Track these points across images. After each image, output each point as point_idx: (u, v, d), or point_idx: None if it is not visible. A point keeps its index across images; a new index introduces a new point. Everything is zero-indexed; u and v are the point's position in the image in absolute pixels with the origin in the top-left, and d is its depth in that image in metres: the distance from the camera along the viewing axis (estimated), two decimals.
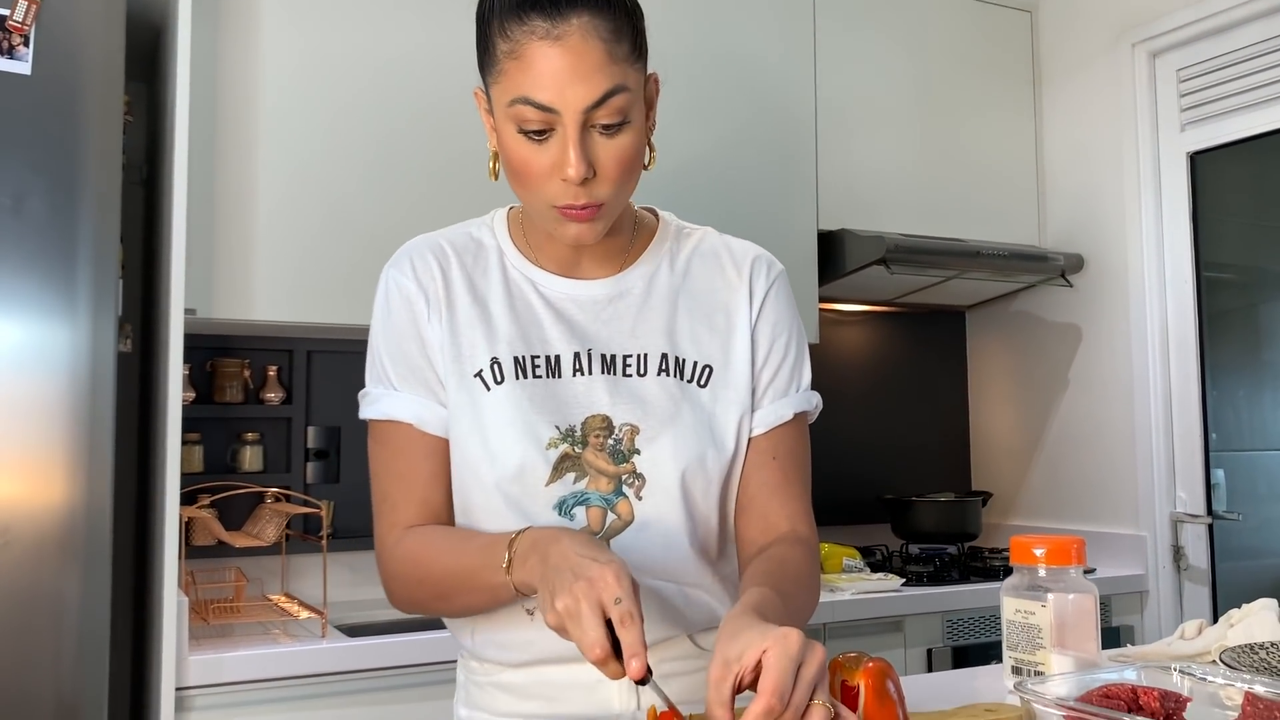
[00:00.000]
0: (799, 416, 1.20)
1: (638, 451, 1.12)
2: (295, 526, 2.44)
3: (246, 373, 2.48)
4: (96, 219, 1.75)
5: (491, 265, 1.18)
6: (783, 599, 0.99)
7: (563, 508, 1.11)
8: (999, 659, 1.18)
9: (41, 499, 1.68)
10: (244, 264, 2.18)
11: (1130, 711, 0.87)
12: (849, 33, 2.89)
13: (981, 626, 2.59)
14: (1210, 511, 2.81)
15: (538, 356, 1.14)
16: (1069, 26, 3.12)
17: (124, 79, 1.80)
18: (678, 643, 1.15)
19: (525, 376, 1.13)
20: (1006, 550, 1.09)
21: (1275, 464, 3.12)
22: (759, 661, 0.83)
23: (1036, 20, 3.21)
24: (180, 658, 1.84)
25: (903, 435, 3.25)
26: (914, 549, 2.93)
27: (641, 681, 0.87)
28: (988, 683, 1.18)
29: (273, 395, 2.50)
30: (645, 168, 1.11)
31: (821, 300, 2.86)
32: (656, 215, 1.25)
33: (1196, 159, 2.86)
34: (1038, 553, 1.12)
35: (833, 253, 2.76)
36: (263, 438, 2.49)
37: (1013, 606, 1.13)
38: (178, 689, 1.84)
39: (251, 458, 2.46)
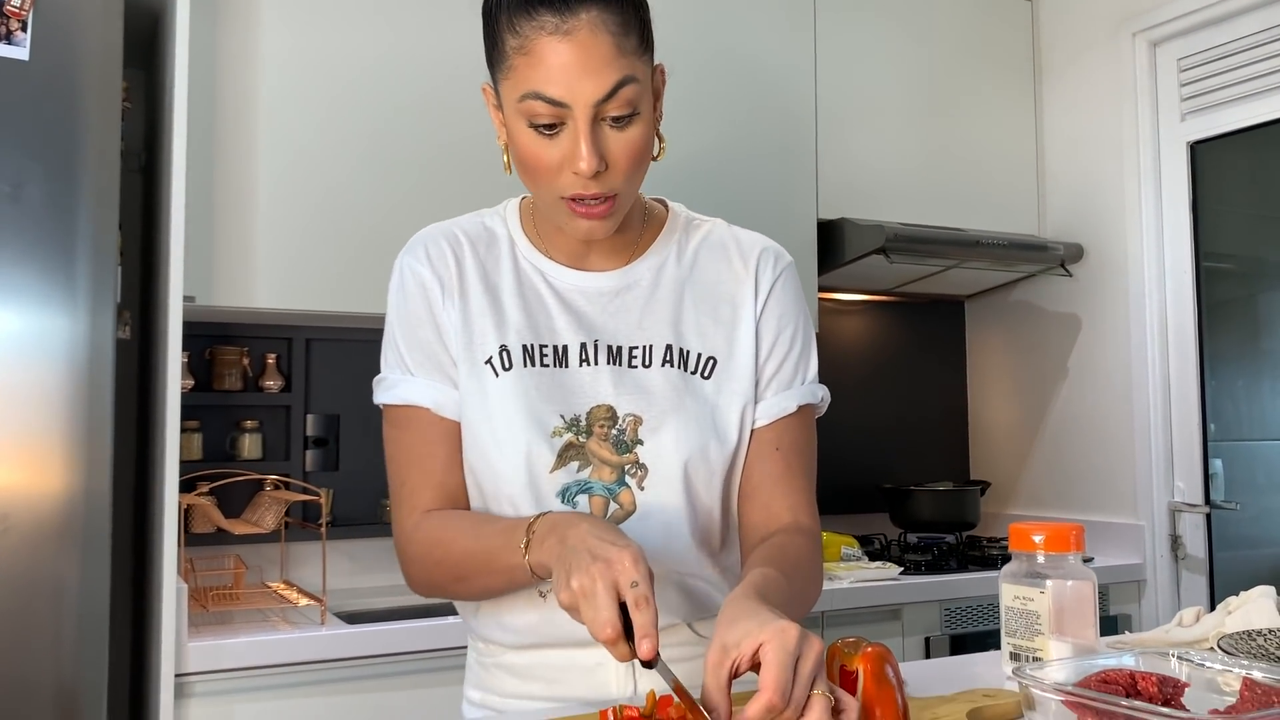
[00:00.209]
0: (804, 409, 1.20)
1: (640, 442, 1.13)
2: (294, 514, 2.44)
3: (245, 360, 2.48)
4: (95, 206, 1.74)
5: (503, 255, 1.19)
6: (785, 588, 1.00)
7: (566, 495, 1.12)
8: (997, 647, 1.18)
9: (41, 486, 1.69)
10: (243, 251, 2.17)
11: (1128, 697, 0.87)
12: (849, 23, 2.88)
13: (979, 615, 2.59)
14: (1208, 501, 2.81)
15: (545, 346, 1.15)
16: (1069, 15, 3.11)
17: (122, 65, 1.80)
18: (676, 630, 1.15)
19: (533, 365, 1.14)
20: (1005, 539, 1.09)
21: (1273, 454, 3.13)
22: (756, 652, 0.84)
23: (1037, 9, 3.20)
24: (179, 644, 1.85)
25: (901, 424, 3.25)
26: (912, 538, 2.94)
27: (649, 664, 0.88)
28: (986, 669, 1.18)
29: (272, 383, 2.50)
30: (654, 158, 1.12)
31: (821, 289, 2.86)
32: (667, 206, 1.25)
33: (1196, 148, 2.86)
34: (1036, 539, 1.12)
35: (832, 242, 2.76)
36: (262, 425, 2.49)
37: (1011, 593, 1.14)
38: (177, 675, 1.85)
39: (250, 445, 2.46)
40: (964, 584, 2.58)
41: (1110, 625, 2.75)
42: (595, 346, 1.15)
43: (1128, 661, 0.97)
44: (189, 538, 2.29)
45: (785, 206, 2.70)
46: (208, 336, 2.45)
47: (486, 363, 1.14)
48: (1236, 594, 1.30)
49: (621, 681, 1.13)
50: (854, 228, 2.72)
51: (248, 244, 2.18)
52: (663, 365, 1.15)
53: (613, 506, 1.12)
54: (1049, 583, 1.10)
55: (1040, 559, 1.12)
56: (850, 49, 2.87)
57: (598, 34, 1.01)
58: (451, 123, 2.37)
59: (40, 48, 1.72)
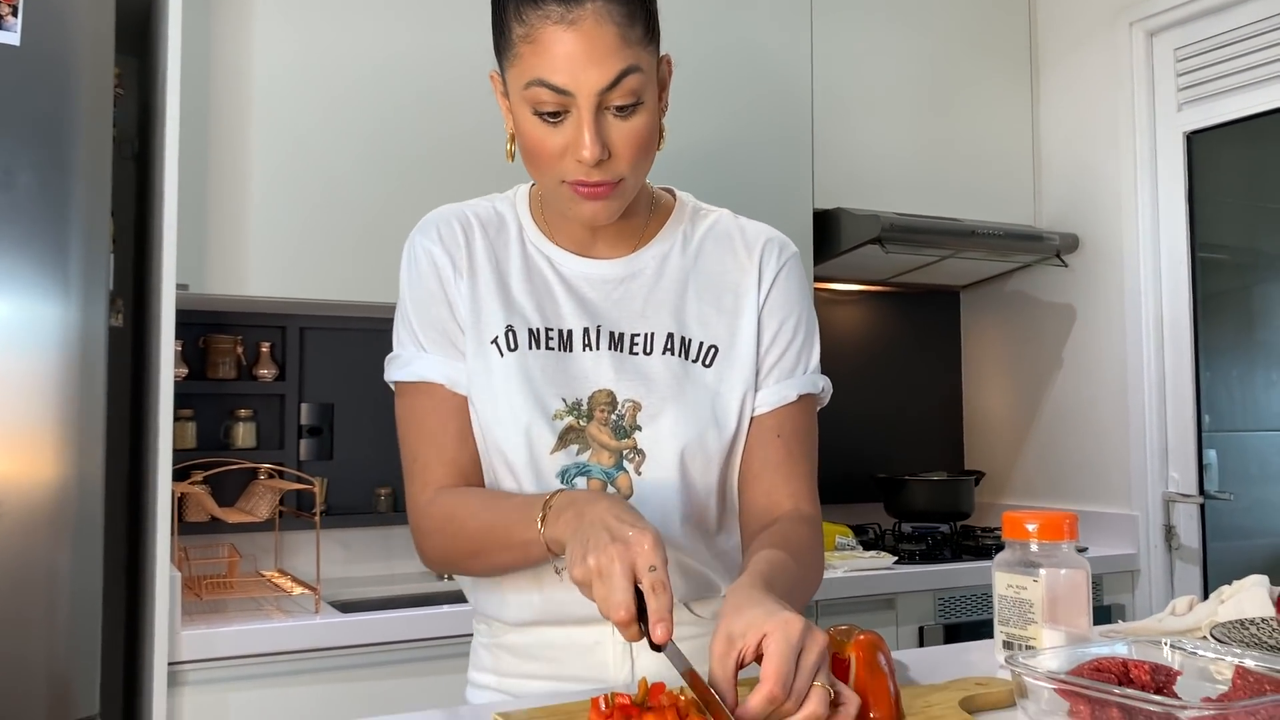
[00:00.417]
0: (805, 399, 1.21)
1: (639, 428, 1.14)
2: (289, 503, 2.44)
3: (239, 349, 2.48)
4: (87, 192, 1.73)
5: (511, 239, 1.21)
6: (787, 575, 1.01)
7: (565, 476, 1.13)
8: (990, 637, 1.18)
9: (33, 474, 1.68)
10: (237, 239, 2.17)
11: (1121, 685, 0.87)
12: (846, 12, 2.87)
13: (973, 604, 2.60)
14: (1202, 491, 2.81)
15: (551, 330, 1.17)
16: (1066, 5, 3.11)
17: (115, 51, 1.78)
18: (674, 610, 1.15)
19: (537, 347, 1.16)
20: (999, 529, 1.09)
21: (1268, 445, 3.13)
22: (760, 643, 0.84)
23: None
24: (173, 632, 1.85)
25: (896, 414, 3.25)
26: (907, 527, 2.94)
27: (659, 648, 0.88)
28: (979, 657, 1.18)
29: (266, 372, 2.49)
30: (657, 148, 1.13)
31: (817, 279, 2.85)
32: (674, 195, 1.26)
33: (1193, 139, 2.85)
34: (1030, 528, 1.12)
35: (828, 231, 2.75)
36: (256, 414, 2.48)
37: (1004, 581, 1.13)
38: (170, 664, 1.84)
39: (244, 434, 2.45)
40: (958, 573, 2.58)
41: (1104, 615, 2.76)
42: (598, 332, 1.17)
43: (1120, 650, 0.98)
44: (183, 527, 2.28)
45: (781, 196, 2.70)
46: (201, 325, 2.44)
47: (492, 342, 1.16)
48: (1230, 583, 1.31)
49: (619, 661, 1.14)
50: (850, 217, 2.71)
51: (241, 232, 2.17)
52: (664, 353, 1.17)
53: (610, 490, 1.13)
54: (1042, 571, 1.10)
55: (1034, 547, 1.11)
56: (847, 39, 2.87)
57: (602, 24, 1.01)
58: (447, 111, 2.36)
59: (31, 33, 1.70)
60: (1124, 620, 2.78)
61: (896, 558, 2.60)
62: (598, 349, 1.16)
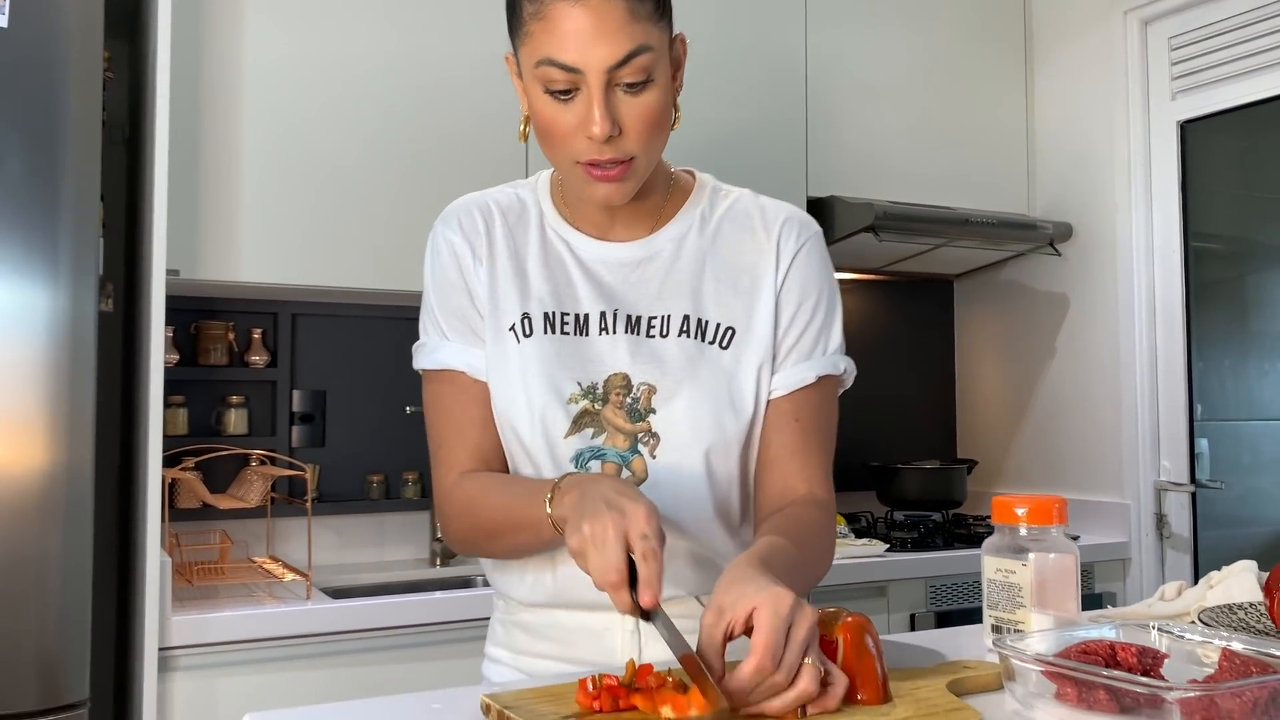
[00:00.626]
0: (824, 380, 1.20)
1: (653, 411, 1.14)
2: (280, 490, 2.43)
3: (231, 335, 2.47)
4: (76, 176, 1.72)
5: (531, 225, 1.21)
6: (789, 558, 1.01)
7: (580, 460, 1.14)
8: (981, 623, 1.18)
9: (22, 459, 1.67)
10: (228, 225, 2.16)
11: (1108, 667, 0.87)
12: (841, 1, 2.87)
13: (964, 592, 2.60)
14: (1194, 480, 2.82)
15: (567, 314, 1.17)
16: None
17: (104, 36, 1.77)
18: (683, 603, 1.16)
19: (554, 332, 1.16)
20: (990, 518, 1.09)
21: (1259, 434, 3.14)
22: (750, 615, 0.85)
23: None
24: (163, 618, 1.84)
25: (889, 403, 3.25)
26: (899, 515, 2.94)
27: (649, 617, 0.89)
28: (968, 641, 1.18)
29: (257, 358, 2.48)
30: (672, 127, 1.13)
31: None
32: (694, 176, 1.26)
33: (1187, 128, 2.85)
34: (1019, 512, 1.11)
35: (822, 220, 2.74)
36: (247, 401, 2.48)
37: (993, 566, 1.13)
38: (161, 649, 1.84)
39: (236, 421, 2.45)
40: (949, 561, 2.59)
41: (1095, 603, 2.77)
42: (615, 316, 1.17)
43: (1108, 633, 0.98)
44: (175, 513, 2.28)
45: (774, 184, 2.69)
46: (193, 311, 2.44)
47: (510, 329, 1.17)
48: (1219, 569, 1.31)
49: (627, 646, 1.14)
50: (843, 205, 2.71)
51: (232, 217, 2.16)
52: (679, 335, 1.16)
53: (625, 474, 1.14)
54: (1031, 555, 1.10)
55: (1023, 531, 1.11)
56: (842, 27, 2.86)
57: (612, 0, 1.02)
58: (441, 97, 2.35)
59: (20, 16, 1.69)
60: (1114, 608, 2.79)
61: (888, 545, 2.60)
62: (614, 332, 1.16)
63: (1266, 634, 1.10)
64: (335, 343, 2.59)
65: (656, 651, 1.10)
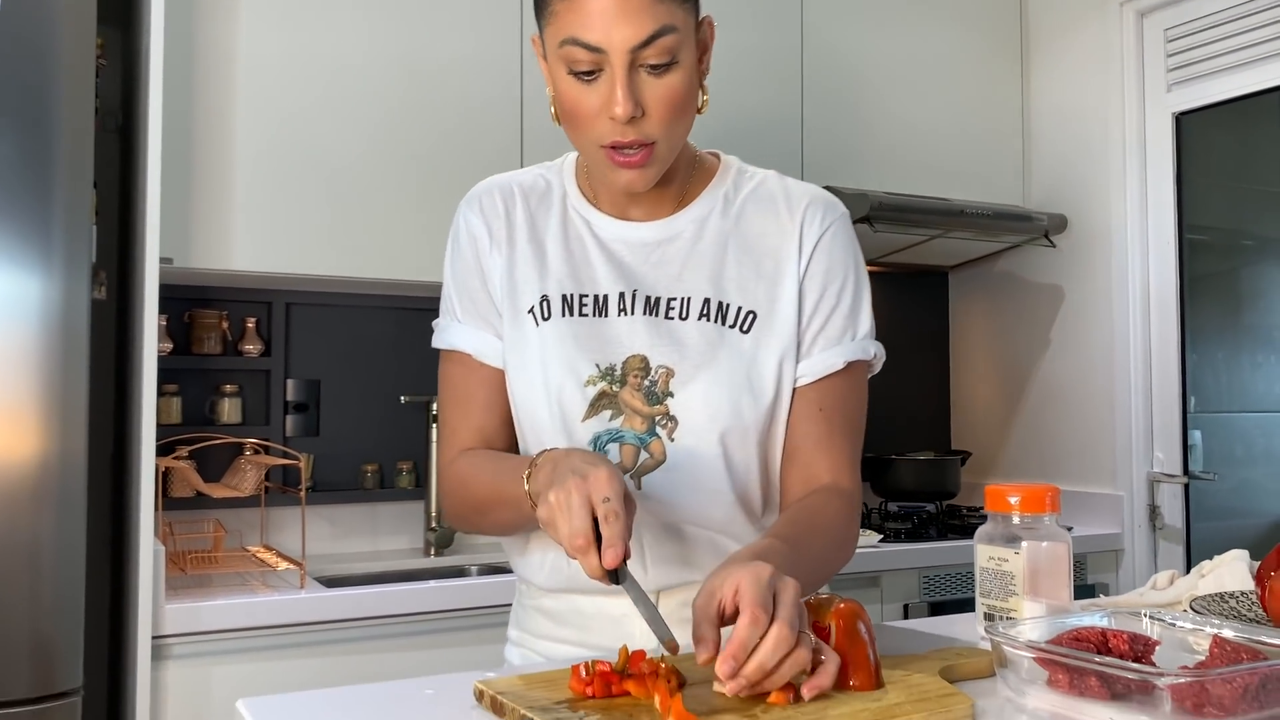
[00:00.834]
0: (853, 366, 1.18)
1: (671, 394, 1.13)
2: (275, 479, 2.43)
3: (225, 324, 2.46)
4: (69, 162, 1.72)
5: (554, 206, 1.21)
6: (793, 548, 1.00)
7: (597, 443, 1.14)
8: (974, 612, 1.19)
9: (14, 447, 1.67)
10: (222, 213, 2.15)
11: (1100, 654, 0.88)
12: None
13: (958, 583, 2.61)
14: (1187, 472, 2.83)
15: (585, 295, 1.17)
16: None
17: (97, 22, 1.77)
18: (696, 588, 1.15)
19: (571, 314, 1.16)
20: (984, 509, 1.09)
21: (1252, 426, 3.15)
22: (736, 591, 0.85)
23: None
24: (156, 606, 1.84)
25: (884, 394, 3.23)
26: (893, 506, 2.95)
27: (616, 579, 0.90)
28: (961, 629, 1.19)
29: (251, 347, 2.48)
30: (699, 111, 1.13)
31: None
32: (719, 158, 1.25)
33: (1182, 120, 2.85)
34: (1012, 500, 1.12)
35: None
36: (241, 390, 2.47)
37: (986, 554, 1.14)
38: (154, 637, 1.84)
39: (230, 410, 2.44)
40: (943, 552, 2.59)
41: (1087, 593, 2.77)
42: (634, 297, 1.16)
43: (1100, 621, 0.98)
44: (169, 502, 2.28)
45: None
46: (187, 300, 2.43)
47: (529, 312, 1.17)
48: (1210, 559, 1.31)
49: (646, 632, 1.13)
50: (839, 196, 2.70)
51: (226, 205, 2.15)
52: (699, 318, 1.15)
53: (643, 456, 1.13)
54: (1024, 544, 1.10)
55: (1016, 520, 1.11)
56: (839, 18, 2.85)
57: None
58: (436, 85, 2.34)
59: (12, 1, 1.68)
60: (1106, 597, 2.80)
61: (882, 536, 2.61)
62: (632, 314, 1.15)
63: (1257, 622, 1.11)
64: (329, 332, 2.58)
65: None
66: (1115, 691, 0.84)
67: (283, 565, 2.17)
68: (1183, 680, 0.80)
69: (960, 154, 3.03)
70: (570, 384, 1.13)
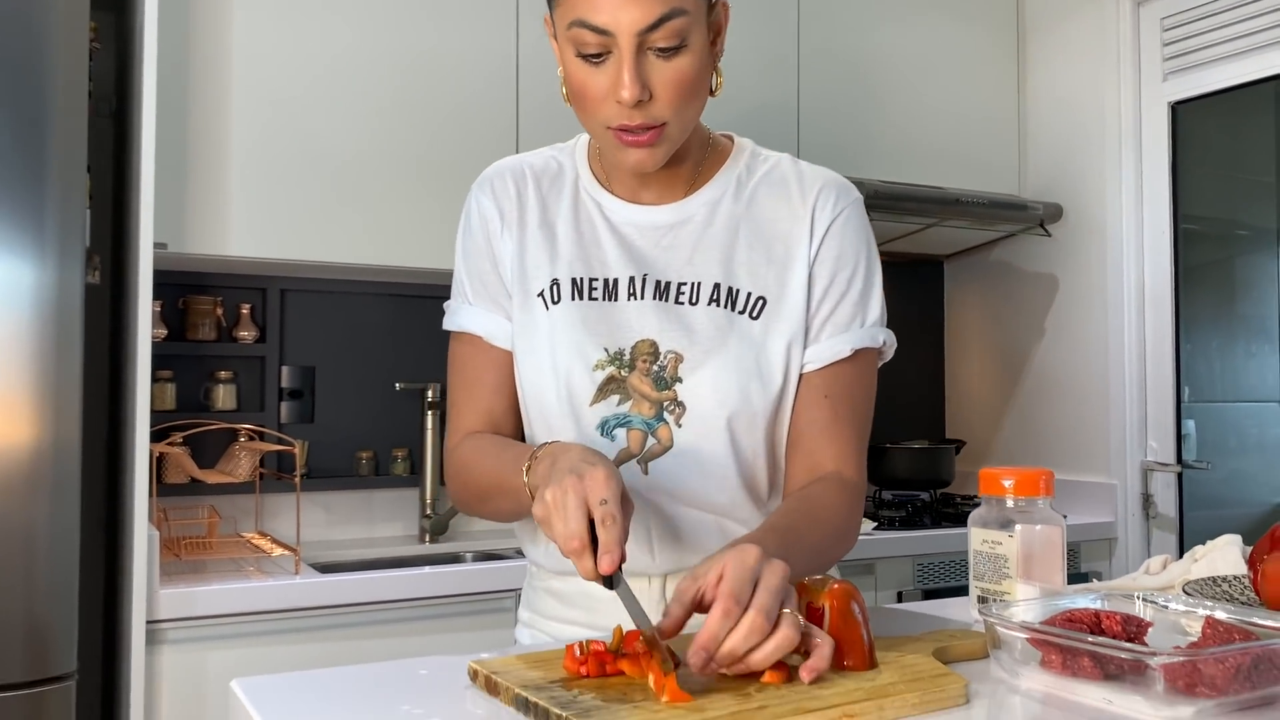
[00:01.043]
0: (861, 354, 1.17)
1: (680, 380, 1.13)
2: (270, 466, 2.43)
3: (219, 310, 2.46)
4: (62, 146, 1.71)
5: (565, 188, 1.21)
6: (789, 537, 1.00)
7: (605, 428, 1.13)
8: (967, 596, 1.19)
9: (8, 433, 1.66)
10: (216, 198, 2.15)
11: (1093, 634, 0.88)
12: None
13: (951, 570, 2.62)
14: (1180, 461, 2.83)
15: (595, 279, 1.16)
16: None
17: (90, 5, 1.76)
18: None
19: (581, 298, 1.15)
20: (978, 496, 1.09)
21: (1245, 416, 3.15)
22: (720, 575, 0.84)
23: None
24: (151, 591, 1.84)
25: (878, 382, 3.25)
26: (887, 494, 2.95)
27: (609, 583, 0.89)
28: (955, 612, 1.19)
29: (246, 333, 2.47)
30: (712, 94, 1.12)
31: None
32: (733, 140, 1.24)
33: (1178, 109, 2.85)
34: (1006, 484, 1.12)
35: None
36: (236, 376, 2.47)
37: (980, 537, 1.14)
38: (149, 622, 1.84)
39: (225, 396, 2.44)
40: (937, 539, 2.60)
41: (1080, 582, 2.78)
42: (644, 281, 1.15)
43: (1093, 603, 0.98)
44: (163, 488, 2.28)
45: None
46: (181, 286, 2.43)
47: (538, 296, 1.16)
48: (1203, 544, 1.31)
49: (654, 615, 1.13)
50: None
51: (220, 191, 2.15)
52: (709, 304, 1.14)
53: (650, 441, 1.13)
54: (1018, 527, 1.10)
55: (1009, 503, 1.12)
56: (835, 6, 2.85)
57: None
58: (431, 71, 2.34)
59: None
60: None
61: (876, 524, 2.61)
62: (642, 298, 1.15)
63: (1250, 605, 1.11)
64: (324, 319, 2.58)
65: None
66: (1108, 672, 0.84)
67: (277, 551, 2.17)
68: (1175, 660, 0.80)
69: (956, 143, 3.03)
70: (579, 368, 1.13)
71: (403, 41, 2.32)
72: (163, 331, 2.37)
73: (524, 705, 0.82)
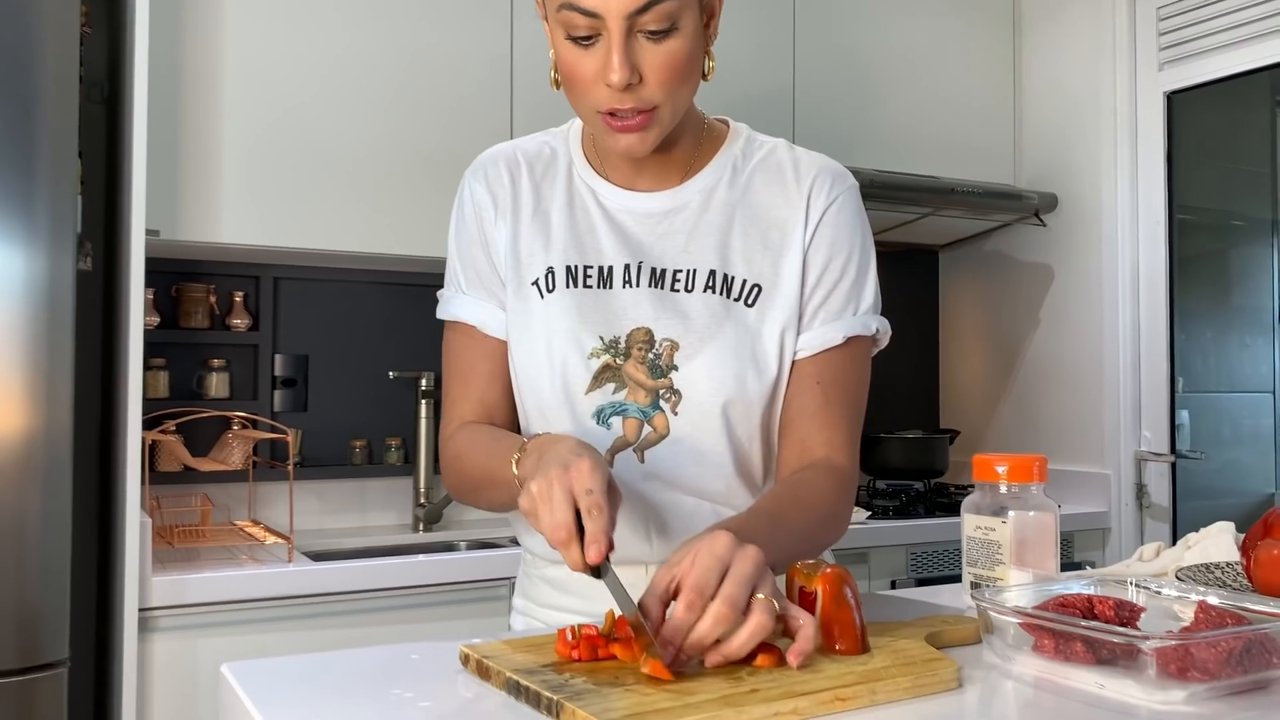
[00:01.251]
0: (854, 342, 1.16)
1: (675, 367, 1.12)
2: (263, 455, 2.42)
3: (212, 298, 2.45)
4: (53, 131, 1.70)
5: (559, 174, 1.20)
6: (773, 522, 0.99)
7: (601, 416, 1.13)
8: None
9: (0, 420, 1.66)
10: (209, 185, 2.14)
11: (1085, 619, 0.88)
12: None
13: (945, 559, 2.62)
14: (1174, 451, 2.84)
15: (590, 267, 1.15)
16: None
17: None
18: None
19: (575, 286, 1.15)
20: (972, 486, 1.09)
21: (1239, 406, 3.16)
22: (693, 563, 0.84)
23: None
24: (143, 578, 1.84)
25: (873, 372, 3.25)
26: (881, 484, 2.96)
27: (597, 573, 0.88)
28: (948, 598, 1.19)
29: (239, 321, 2.47)
30: (705, 77, 1.11)
31: None
32: (728, 125, 1.23)
33: (1174, 99, 2.85)
34: (999, 469, 1.12)
35: None
36: (229, 365, 2.46)
37: (973, 523, 1.14)
38: (141, 609, 1.84)
39: (218, 384, 2.43)
40: (930, 529, 2.60)
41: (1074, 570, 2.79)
42: (639, 268, 1.15)
43: (1086, 589, 0.98)
44: (156, 476, 2.27)
45: None
46: (174, 273, 2.42)
47: (533, 284, 1.16)
48: (1197, 531, 1.32)
49: None
50: None
51: (213, 177, 2.14)
52: (704, 291, 1.14)
53: (646, 429, 1.12)
54: (1011, 513, 1.10)
55: (1003, 489, 1.11)
56: None
57: None
58: (426, 59, 2.33)
59: None
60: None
61: (870, 513, 2.61)
62: (637, 286, 1.14)
63: (1242, 591, 1.11)
64: (318, 307, 2.57)
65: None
66: (1101, 656, 0.84)
67: (270, 539, 2.16)
68: (1168, 644, 0.80)
69: (951, 132, 3.02)
70: (574, 356, 1.12)
71: (398, 31, 2.31)
72: (155, 319, 2.36)
73: (515, 689, 0.81)
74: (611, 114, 1.05)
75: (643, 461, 1.13)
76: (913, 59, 2.97)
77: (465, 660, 0.90)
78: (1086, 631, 0.84)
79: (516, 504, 1.07)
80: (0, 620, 1.64)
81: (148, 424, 2.07)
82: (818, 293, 1.16)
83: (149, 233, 1.95)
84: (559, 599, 1.19)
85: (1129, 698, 0.81)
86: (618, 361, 1.13)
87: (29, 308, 1.68)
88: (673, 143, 1.15)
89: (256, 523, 2.34)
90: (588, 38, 1.03)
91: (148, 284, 1.94)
